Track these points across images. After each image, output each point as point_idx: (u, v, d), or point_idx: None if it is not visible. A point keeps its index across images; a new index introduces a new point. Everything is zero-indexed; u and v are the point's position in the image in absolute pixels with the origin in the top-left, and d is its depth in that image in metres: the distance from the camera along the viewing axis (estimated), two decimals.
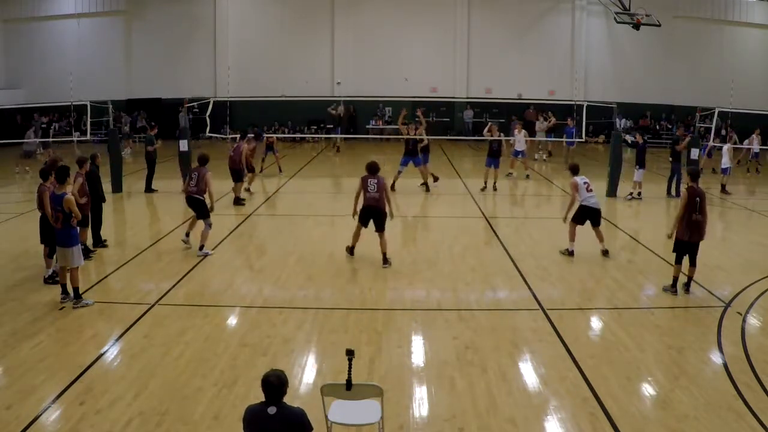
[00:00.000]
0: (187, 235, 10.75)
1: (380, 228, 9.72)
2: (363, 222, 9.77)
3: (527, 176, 19.06)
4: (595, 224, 10.50)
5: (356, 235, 9.92)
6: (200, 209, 10.45)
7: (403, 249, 11.10)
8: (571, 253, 10.48)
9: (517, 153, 18.81)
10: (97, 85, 26.36)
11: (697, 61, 28.93)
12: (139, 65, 29.09)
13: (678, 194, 15.90)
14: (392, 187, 15.73)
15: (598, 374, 6.23)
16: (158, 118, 26.85)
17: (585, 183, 10.49)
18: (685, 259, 8.58)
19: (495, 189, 16.66)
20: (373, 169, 9.66)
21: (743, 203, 16.12)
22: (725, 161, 17.14)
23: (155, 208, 14.85)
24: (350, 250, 10.14)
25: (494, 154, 16.59)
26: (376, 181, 9.61)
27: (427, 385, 6.07)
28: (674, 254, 8.64)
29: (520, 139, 18.77)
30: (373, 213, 9.63)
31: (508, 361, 6.61)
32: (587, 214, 10.43)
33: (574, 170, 10.76)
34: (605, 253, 10.47)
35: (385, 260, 9.79)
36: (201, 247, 10.33)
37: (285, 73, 28.20)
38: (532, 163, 21.92)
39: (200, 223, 10.51)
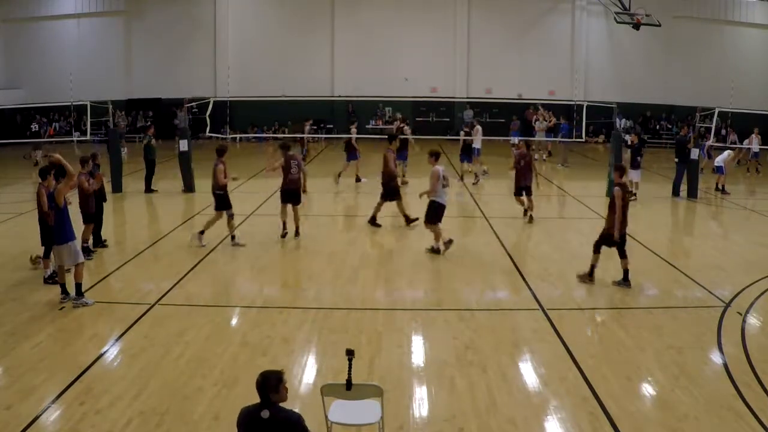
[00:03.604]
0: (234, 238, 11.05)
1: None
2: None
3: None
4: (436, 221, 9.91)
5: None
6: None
7: (403, 249, 11.09)
8: (439, 250, 10.04)
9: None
10: (97, 85, 26.32)
11: (697, 61, 28.88)
12: (139, 65, 29.07)
13: (679, 194, 15.98)
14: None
15: (598, 374, 6.23)
16: (158, 118, 26.88)
17: (444, 176, 9.63)
18: (613, 251, 8.81)
19: (462, 181, 17.59)
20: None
21: (743, 203, 16.11)
22: (717, 160, 17.19)
23: (155, 208, 14.84)
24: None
25: (467, 150, 17.83)
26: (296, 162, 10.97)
27: (427, 385, 6.06)
28: (608, 247, 8.84)
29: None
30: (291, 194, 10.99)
31: (508, 361, 6.61)
32: (442, 212, 9.72)
33: (437, 156, 9.66)
34: (446, 247, 10.02)
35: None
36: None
37: (285, 73, 28.17)
38: None
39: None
